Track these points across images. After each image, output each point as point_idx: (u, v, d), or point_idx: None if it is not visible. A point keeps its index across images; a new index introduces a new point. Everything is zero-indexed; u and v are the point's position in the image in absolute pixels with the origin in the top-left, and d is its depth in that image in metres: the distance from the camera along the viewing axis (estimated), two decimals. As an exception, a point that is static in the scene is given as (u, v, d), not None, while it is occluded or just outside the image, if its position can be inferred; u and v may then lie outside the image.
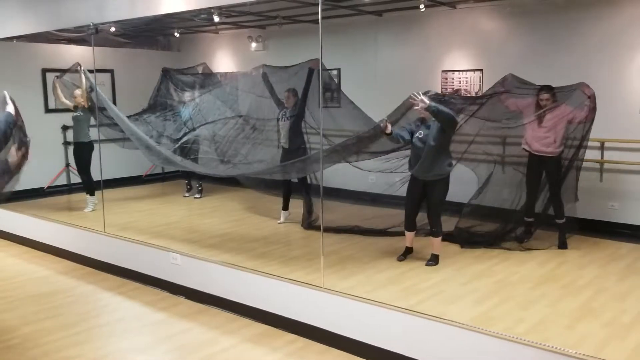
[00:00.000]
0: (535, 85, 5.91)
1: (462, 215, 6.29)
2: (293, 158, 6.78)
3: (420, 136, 5.25)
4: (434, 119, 5.13)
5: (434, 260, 5.44)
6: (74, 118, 7.96)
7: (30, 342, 4.53)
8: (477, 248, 5.91)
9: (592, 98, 5.63)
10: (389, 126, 5.19)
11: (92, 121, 7.91)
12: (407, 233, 5.58)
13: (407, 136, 5.32)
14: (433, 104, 5.04)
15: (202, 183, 9.05)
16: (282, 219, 7.20)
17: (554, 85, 5.82)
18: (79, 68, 7.75)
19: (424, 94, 5.12)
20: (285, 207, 7.23)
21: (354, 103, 6.29)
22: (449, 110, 5.16)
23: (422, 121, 5.29)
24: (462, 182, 6.40)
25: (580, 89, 5.69)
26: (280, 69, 7.11)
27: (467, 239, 6.09)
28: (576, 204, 6.06)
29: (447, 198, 6.49)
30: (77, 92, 7.90)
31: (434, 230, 5.41)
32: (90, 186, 8.06)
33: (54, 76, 8.23)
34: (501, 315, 4.24)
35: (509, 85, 5.98)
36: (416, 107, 5.10)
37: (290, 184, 7.15)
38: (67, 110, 8.15)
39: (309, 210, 6.99)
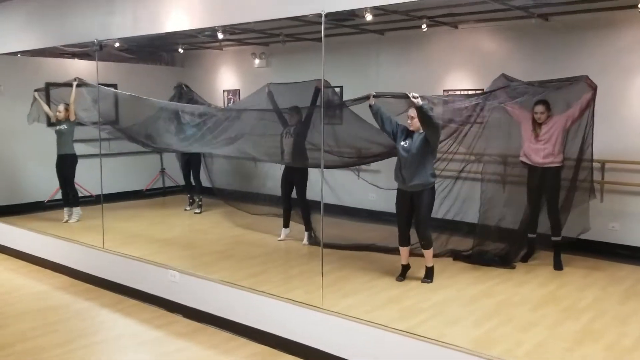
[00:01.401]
0: (524, 82, 5.99)
1: (477, 236, 6.27)
2: (296, 175, 6.95)
3: (405, 146, 5.35)
4: (419, 129, 5.26)
5: (429, 276, 5.46)
6: (57, 131, 8.13)
7: (26, 358, 4.49)
8: (485, 267, 5.92)
9: (594, 91, 5.61)
10: (373, 99, 5.46)
11: (77, 134, 8.16)
12: (401, 249, 5.58)
13: (387, 124, 5.46)
14: (427, 105, 5.16)
15: (202, 198, 9.08)
16: (282, 236, 7.19)
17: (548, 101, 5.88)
18: (73, 82, 7.95)
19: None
20: (286, 225, 7.22)
21: (361, 119, 6.12)
22: (437, 120, 5.29)
23: (408, 133, 5.38)
24: (474, 201, 6.41)
25: (583, 81, 5.67)
26: (285, 85, 7.13)
27: (484, 260, 6.05)
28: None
29: (460, 218, 6.55)
30: (61, 107, 8.09)
31: (423, 242, 5.44)
32: (75, 197, 8.30)
33: (34, 90, 8.42)
34: (501, 337, 4.21)
35: (503, 83, 6.04)
36: (413, 99, 5.08)
37: (291, 201, 7.16)
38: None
39: (306, 226, 7.00)
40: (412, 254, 5.69)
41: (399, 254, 5.65)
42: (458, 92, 7.61)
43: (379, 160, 6.47)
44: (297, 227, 7.18)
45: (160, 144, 8.13)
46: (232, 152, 7.39)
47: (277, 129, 6.89)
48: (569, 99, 5.85)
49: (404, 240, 5.56)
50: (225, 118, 7.46)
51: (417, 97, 5.08)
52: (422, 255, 5.63)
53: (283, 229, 7.22)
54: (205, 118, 7.70)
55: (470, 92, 7.04)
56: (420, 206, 5.37)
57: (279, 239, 7.18)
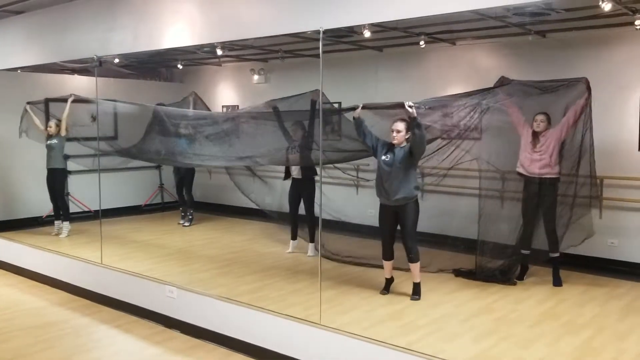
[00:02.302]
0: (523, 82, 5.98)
1: (481, 252, 6.19)
2: (304, 188, 7.06)
3: (386, 159, 5.33)
4: (402, 142, 5.28)
5: (416, 293, 5.44)
6: (48, 145, 8.17)
7: (23, 375, 4.48)
8: (484, 283, 5.89)
9: (588, 95, 5.57)
10: (358, 111, 5.48)
11: (76, 150, 8.27)
12: (385, 263, 5.59)
13: (368, 138, 5.49)
14: (419, 119, 5.19)
15: (192, 212, 9.23)
16: (290, 249, 7.26)
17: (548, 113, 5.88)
18: (68, 98, 8.05)
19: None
20: (294, 237, 7.29)
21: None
22: (425, 133, 5.31)
23: (390, 147, 5.37)
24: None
25: (582, 82, 5.63)
26: (283, 99, 7.15)
27: (487, 276, 5.99)
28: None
29: (460, 234, 6.57)
30: (52, 122, 8.16)
31: (410, 256, 5.41)
32: (66, 212, 8.30)
33: (26, 102, 8.42)
34: (500, 354, 4.20)
35: (506, 82, 6.02)
36: (409, 108, 5.13)
37: (297, 215, 7.21)
38: (68, 139, 8.25)
39: (311, 238, 7.05)
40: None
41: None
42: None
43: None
44: (300, 240, 7.23)
45: (162, 158, 8.12)
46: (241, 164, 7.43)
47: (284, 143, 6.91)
48: (568, 103, 5.81)
49: (388, 254, 5.56)
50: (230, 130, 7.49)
51: (413, 107, 5.11)
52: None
53: (291, 241, 7.28)
54: (208, 126, 7.73)
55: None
56: (405, 220, 5.37)
57: (287, 251, 7.26)
